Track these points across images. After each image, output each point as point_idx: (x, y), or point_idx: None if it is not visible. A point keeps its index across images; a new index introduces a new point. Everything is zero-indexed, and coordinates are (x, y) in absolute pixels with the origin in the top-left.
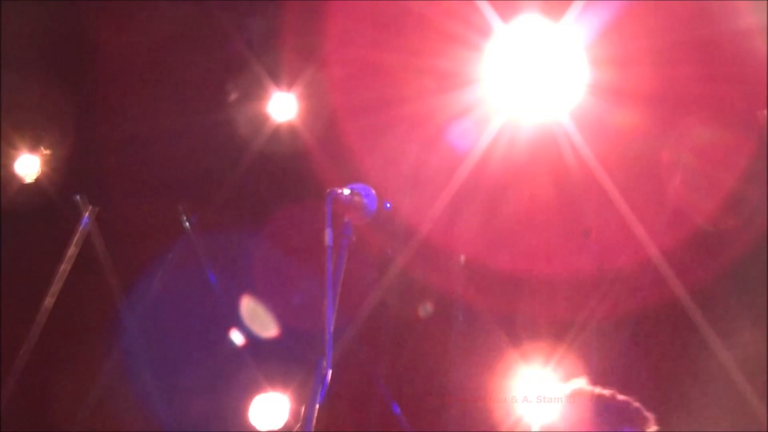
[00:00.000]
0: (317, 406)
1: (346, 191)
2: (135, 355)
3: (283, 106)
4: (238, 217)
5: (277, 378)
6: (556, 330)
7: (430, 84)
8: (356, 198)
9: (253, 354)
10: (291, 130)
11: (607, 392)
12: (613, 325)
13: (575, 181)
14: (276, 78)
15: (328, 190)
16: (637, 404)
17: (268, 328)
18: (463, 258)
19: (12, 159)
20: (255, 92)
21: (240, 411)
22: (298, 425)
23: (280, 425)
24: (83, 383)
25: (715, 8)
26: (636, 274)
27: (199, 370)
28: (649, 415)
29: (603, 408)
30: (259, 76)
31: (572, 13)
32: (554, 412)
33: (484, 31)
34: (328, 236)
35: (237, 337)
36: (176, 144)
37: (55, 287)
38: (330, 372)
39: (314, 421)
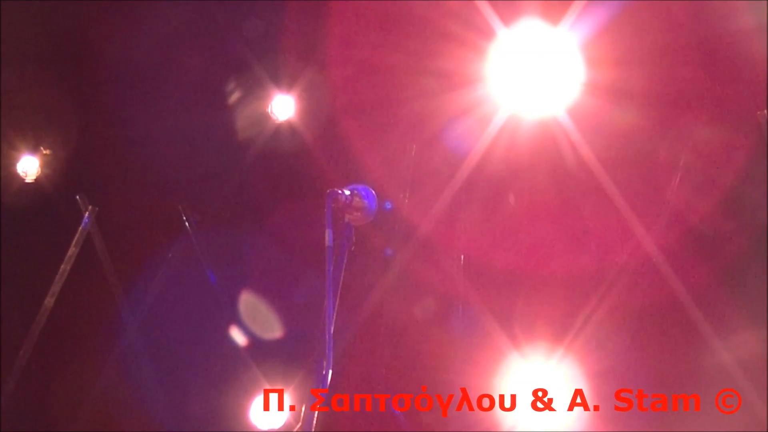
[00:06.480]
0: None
1: (347, 191)
2: (135, 354)
3: (283, 106)
4: (238, 216)
5: (277, 378)
6: (556, 329)
7: (429, 84)
8: (356, 198)
9: (253, 354)
10: (291, 130)
11: None
12: (613, 325)
13: (575, 182)
14: (276, 78)
15: (328, 191)
16: None
17: (268, 327)
18: (463, 257)
19: (12, 159)
20: (255, 92)
21: (240, 411)
22: (298, 425)
23: (280, 425)
24: (83, 383)
25: (715, 8)
26: (635, 273)
27: (199, 370)
28: None
29: None
30: (259, 76)
31: (573, 12)
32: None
33: (483, 31)
34: (328, 236)
35: (237, 337)
36: (176, 144)
37: (55, 287)
38: (330, 372)
39: (314, 421)
